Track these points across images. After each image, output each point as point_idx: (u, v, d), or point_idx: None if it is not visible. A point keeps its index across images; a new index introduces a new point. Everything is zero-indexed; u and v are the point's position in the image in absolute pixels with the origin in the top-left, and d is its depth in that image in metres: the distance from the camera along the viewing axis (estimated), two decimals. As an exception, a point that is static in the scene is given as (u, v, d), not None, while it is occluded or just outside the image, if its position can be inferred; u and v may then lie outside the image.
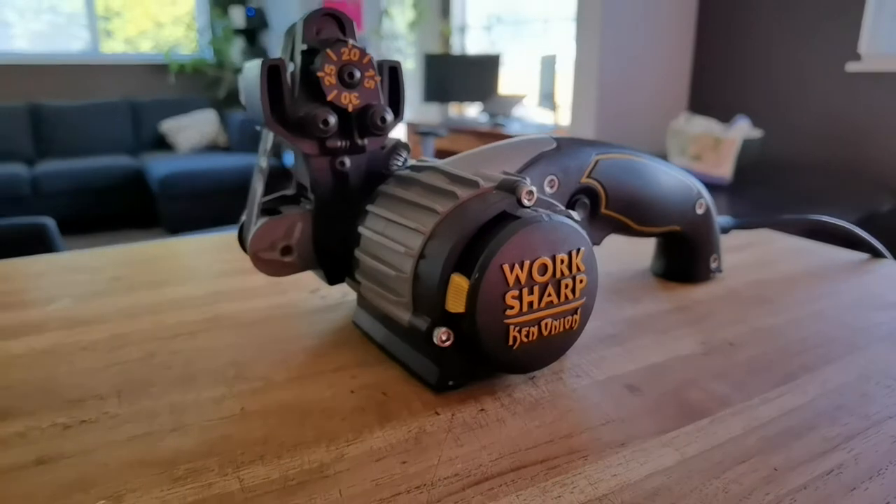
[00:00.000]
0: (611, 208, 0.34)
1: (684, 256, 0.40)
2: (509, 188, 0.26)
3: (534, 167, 0.31)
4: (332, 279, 0.33)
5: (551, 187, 0.31)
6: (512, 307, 0.25)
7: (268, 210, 0.33)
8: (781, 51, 1.93)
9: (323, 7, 0.31)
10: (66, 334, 0.34)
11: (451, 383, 0.27)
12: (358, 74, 0.30)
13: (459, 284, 0.24)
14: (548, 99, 3.06)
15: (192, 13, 4.54)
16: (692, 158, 1.48)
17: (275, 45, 4.44)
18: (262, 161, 0.33)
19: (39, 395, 0.27)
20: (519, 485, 0.21)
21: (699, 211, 0.38)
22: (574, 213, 0.28)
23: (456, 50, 4.14)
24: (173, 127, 4.14)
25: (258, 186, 0.33)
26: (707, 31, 1.98)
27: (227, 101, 4.53)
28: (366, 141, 0.32)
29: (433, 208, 0.26)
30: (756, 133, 1.61)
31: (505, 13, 3.86)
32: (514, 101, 3.31)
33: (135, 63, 4.37)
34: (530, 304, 0.25)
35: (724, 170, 1.48)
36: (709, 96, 1.98)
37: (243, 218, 0.34)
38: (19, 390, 0.27)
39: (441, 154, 3.50)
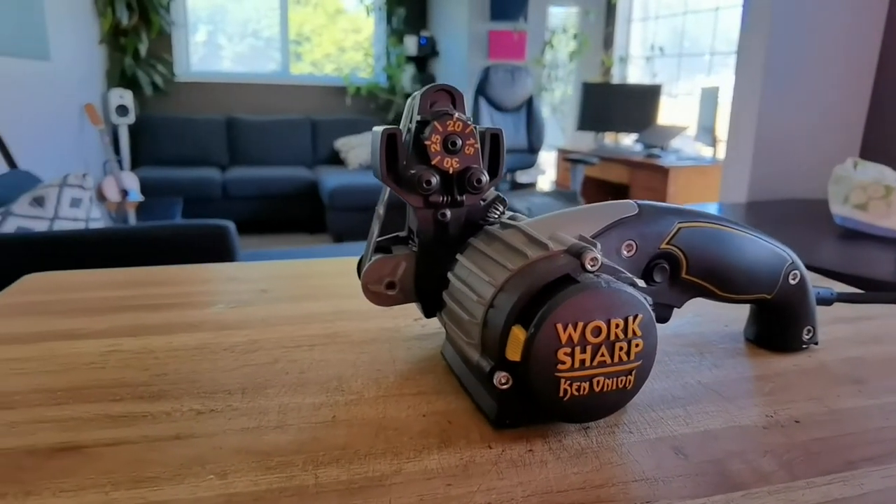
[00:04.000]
0: (692, 274, 0.35)
1: (775, 325, 0.40)
2: (576, 253, 0.29)
3: (611, 231, 0.33)
4: (428, 313, 0.38)
5: (629, 251, 0.34)
6: (564, 363, 0.27)
7: (381, 248, 0.39)
8: None
9: (437, 84, 0.36)
10: (214, 335, 0.42)
11: (507, 422, 0.30)
12: (459, 143, 0.34)
13: (517, 336, 0.28)
14: (707, 132, 2.92)
15: (370, 40, 4.94)
16: (856, 207, 1.34)
17: (442, 71, 4.68)
18: (381, 209, 0.39)
19: (185, 384, 0.35)
20: (540, 521, 0.24)
21: (792, 281, 0.38)
22: (638, 281, 0.30)
23: (616, 80, 4.09)
24: (346, 144, 4.53)
25: (375, 228, 0.39)
26: (890, 73, 1.78)
27: (395, 124, 4.84)
28: (464, 197, 0.36)
29: (505, 265, 0.30)
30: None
31: (668, 45, 3.75)
32: (673, 132, 3.20)
33: (317, 84, 4.84)
34: (582, 361, 0.28)
35: (894, 221, 1.33)
36: (886, 143, 1.78)
37: (363, 253, 0.40)
38: (171, 378, 0.35)
39: (591, 182, 3.47)
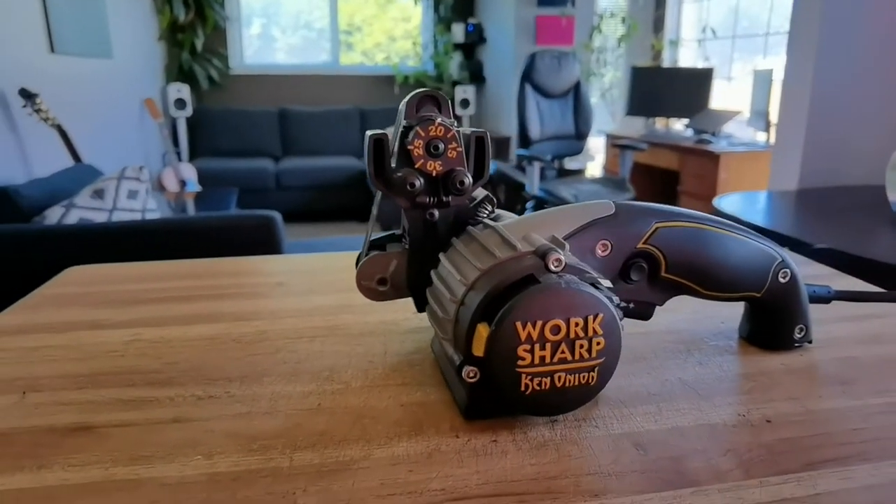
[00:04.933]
0: (672, 273, 0.36)
1: (767, 323, 0.40)
2: (542, 254, 0.30)
3: (586, 232, 0.34)
4: (420, 308, 0.40)
5: (603, 251, 0.34)
6: (524, 359, 0.29)
7: (376, 245, 0.41)
8: None
9: (423, 90, 0.37)
10: (227, 326, 0.45)
11: (477, 414, 0.32)
12: (442, 146, 0.36)
13: (481, 333, 0.29)
14: (760, 116, 2.81)
15: (419, 28, 4.97)
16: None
17: (489, 59, 4.66)
18: (374, 209, 0.41)
19: (193, 372, 0.38)
20: (487, 507, 0.25)
21: (782, 279, 0.38)
22: (604, 282, 0.31)
23: (666, 63, 3.97)
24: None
25: (371, 227, 0.41)
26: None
27: (440, 110, 4.86)
28: (449, 198, 0.38)
29: (476, 265, 0.32)
30: None
31: (722, 26, 3.61)
32: (724, 117, 3.10)
33: (366, 74, 4.90)
34: (542, 358, 0.29)
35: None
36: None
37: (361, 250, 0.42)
38: (181, 367, 0.38)
39: (640, 168, 3.40)
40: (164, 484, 0.27)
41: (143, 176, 1.92)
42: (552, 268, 0.30)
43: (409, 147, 0.36)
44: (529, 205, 3.90)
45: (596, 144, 4.28)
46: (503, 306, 0.29)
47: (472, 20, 4.71)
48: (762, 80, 2.89)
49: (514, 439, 0.30)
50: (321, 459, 0.29)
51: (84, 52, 2.93)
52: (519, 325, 0.28)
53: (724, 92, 3.59)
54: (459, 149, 0.36)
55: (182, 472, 0.28)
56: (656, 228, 0.35)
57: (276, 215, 1.70)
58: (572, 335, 0.29)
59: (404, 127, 0.37)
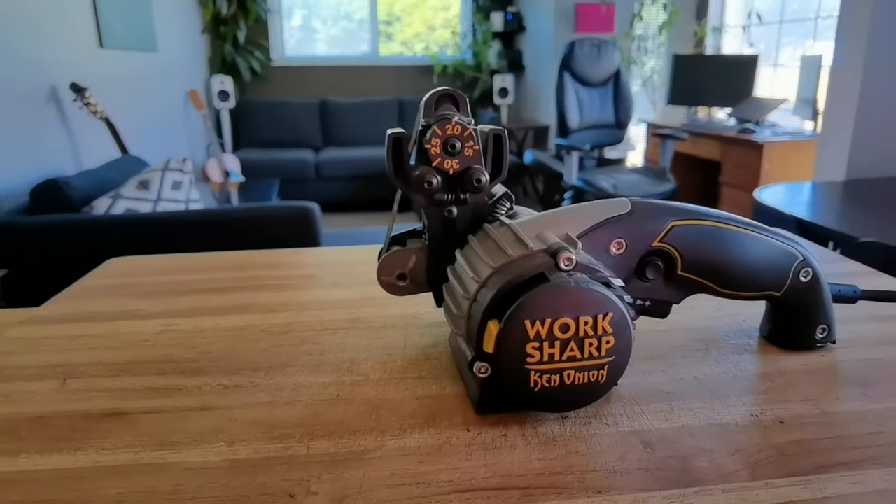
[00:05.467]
0: (688, 271, 0.36)
1: (788, 322, 0.39)
2: (553, 252, 0.31)
3: (600, 230, 0.34)
4: (439, 303, 0.41)
5: (618, 249, 0.34)
6: (533, 356, 0.29)
7: (397, 241, 0.42)
8: None
9: (441, 89, 0.38)
10: (258, 318, 0.46)
11: (488, 408, 0.32)
12: (459, 145, 0.36)
13: (491, 329, 0.30)
14: (807, 104, 2.71)
15: (459, 17, 4.95)
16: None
17: (529, 47, 4.61)
18: (395, 205, 0.42)
19: (222, 361, 0.39)
20: (491, 499, 0.26)
21: (803, 279, 0.37)
22: (616, 281, 0.31)
23: (709, 51, 3.87)
24: (430, 123, 4.58)
25: (392, 223, 0.42)
26: None
27: (480, 101, 4.85)
28: (467, 196, 0.38)
29: (489, 262, 0.32)
30: None
31: (770, 11, 3.49)
32: (769, 105, 3.00)
33: (405, 65, 4.91)
34: (551, 355, 0.29)
35: None
36: None
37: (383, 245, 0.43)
38: (212, 356, 0.40)
39: (681, 157, 3.33)
40: (187, 469, 0.29)
41: (186, 167, 1.98)
42: (563, 266, 0.30)
43: (427, 146, 0.36)
44: (568, 195, 3.86)
45: (637, 134, 4.20)
46: (513, 304, 0.29)
47: (511, 9, 4.66)
48: (810, 67, 2.78)
49: (523, 434, 0.31)
50: (336, 449, 0.30)
51: (131, 46, 3.02)
52: (528, 322, 0.29)
53: (771, 79, 3.48)
54: (476, 147, 0.37)
55: (205, 458, 0.30)
56: (672, 227, 0.35)
57: (314, 206, 1.73)
58: (581, 333, 0.29)
59: (422, 125, 0.37)
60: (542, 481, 0.27)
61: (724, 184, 3.03)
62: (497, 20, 4.65)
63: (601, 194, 3.18)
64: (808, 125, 2.95)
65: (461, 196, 0.38)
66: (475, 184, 0.37)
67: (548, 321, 0.29)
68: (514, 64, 4.72)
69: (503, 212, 0.39)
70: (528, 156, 4.01)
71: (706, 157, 3.20)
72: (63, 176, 1.73)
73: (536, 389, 0.30)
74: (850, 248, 1.45)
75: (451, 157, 0.37)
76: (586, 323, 0.29)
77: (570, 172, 3.32)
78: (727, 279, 0.37)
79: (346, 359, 0.39)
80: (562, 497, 0.26)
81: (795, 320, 0.39)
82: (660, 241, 0.35)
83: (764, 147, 2.73)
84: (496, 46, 4.72)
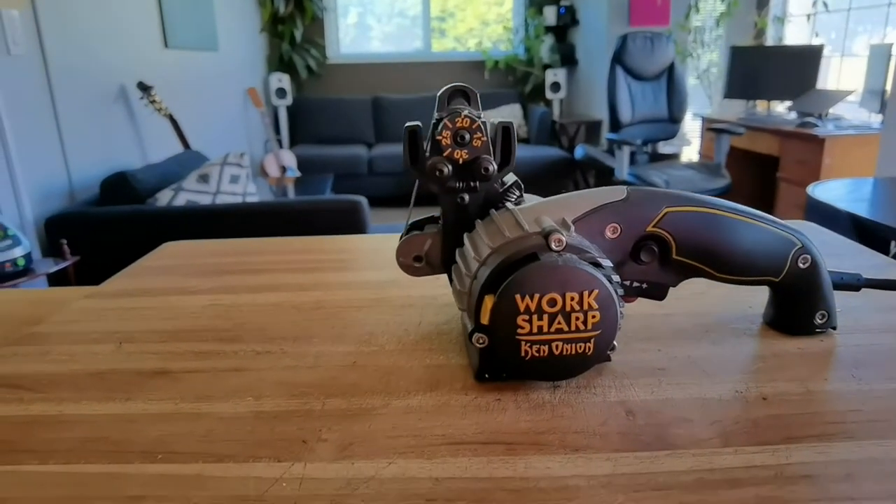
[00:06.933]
0: (682, 255, 0.38)
1: (788, 308, 0.41)
2: (546, 234, 0.33)
3: (595, 215, 0.37)
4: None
5: (613, 233, 0.37)
6: (523, 328, 0.32)
7: (415, 226, 0.46)
8: None
9: (453, 85, 0.41)
10: (291, 295, 0.51)
11: (486, 376, 0.35)
12: (468, 136, 0.39)
13: (487, 303, 0.33)
14: (874, 96, 2.59)
15: (511, 12, 4.95)
16: None
17: (582, 41, 4.57)
18: (413, 194, 0.45)
19: (256, 331, 0.44)
20: (478, 452, 0.29)
21: (802, 265, 0.39)
22: (604, 261, 0.34)
23: (770, 42, 3.74)
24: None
25: (411, 209, 0.45)
26: None
27: (531, 96, 4.84)
28: (477, 183, 0.41)
29: (488, 243, 0.35)
30: None
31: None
32: (833, 98, 2.88)
33: (457, 60, 4.95)
34: (540, 327, 0.32)
35: None
36: None
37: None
38: (248, 327, 0.45)
39: (737, 153, 3.24)
40: (219, 418, 0.33)
41: (243, 162, 2.08)
42: (553, 247, 0.33)
43: (438, 137, 0.40)
44: (618, 191, 3.81)
45: (693, 129, 4.11)
46: (506, 280, 0.32)
47: (564, 2, 4.63)
48: (879, 56, 2.66)
49: (515, 399, 0.34)
50: (347, 405, 0.34)
51: (193, 45, 3.17)
52: (518, 297, 0.32)
53: (837, 71, 3.34)
54: (484, 138, 0.40)
55: (235, 410, 0.34)
56: (666, 213, 0.37)
57: (363, 200, 1.79)
58: (568, 308, 0.32)
59: (436, 119, 0.40)
60: (525, 439, 0.30)
61: (782, 179, 2.94)
62: (550, 14, 4.62)
63: (652, 190, 3.13)
64: (876, 118, 2.83)
65: (472, 184, 0.41)
66: (483, 172, 0.40)
67: (536, 296, 0.32)
68: (567, 58, 4.69)
69: (512, 199, 0.42)
70: (580, 150, 3.98)
71: (764, 152, 3.11)
72: (130, 169, 1.85)
73: (527, 358, 0.33)
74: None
75: (460, 147, 0.40)
76: (572, 298, 0.32)
77: (621, 167, 3.28)
78: (722, 264, 0.38)
79: (366, 332, 0.43)
80: (541, 452, 0.29)
81: (794, 306, 0.40)
82: (654, 227, 0.37)
83: (825, 141, 2.63)
84: (549, 41, 4.70)
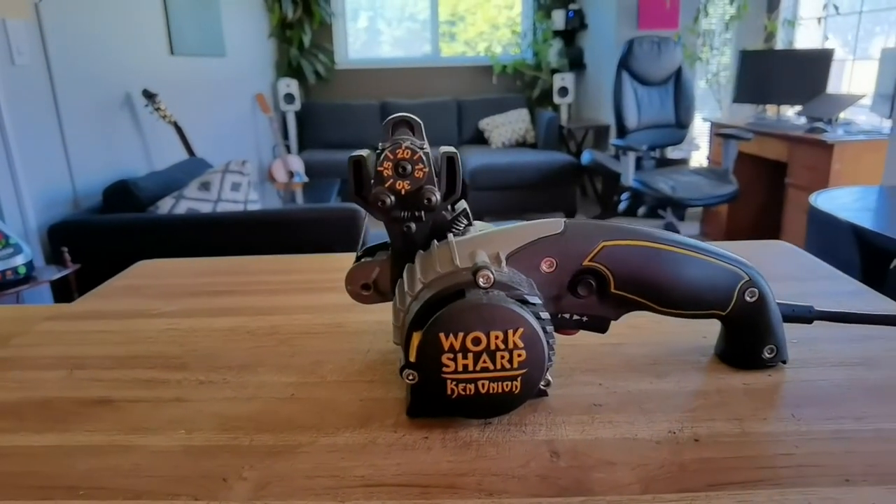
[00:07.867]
0: (621, 289, 0.37)
1: (736, 342, 0.40)
2: (475, 271, 0.33)
3: (531, 248, 0.36)
4: (402, 311, 0.44)
5: (549, 267, 0.36)
6: (448, 366, 0.32)
7: (367, 252, 0.45)
8: None
9: (396, 116, 0.41)
10: (247, 320, 0.51)
11: (417, 412, 0.35)
12: (409, 167, 0.39)
13: (414, 340, 0.33)
14: (885, 100, 2.55)
15: (520, 16, 4.94)
16: None
17: (590, 45, 4.55)
18: (364, 221, 0.45)
19: (205, 359, 0.44)
20: (392, 495, 0.29)
21: (749, 298, 0.38)
22: (532, 298, 0.33)
23: (780, 45, 3.70)
24: (489, 124, 4.61)
25: (363, 237, 0.45)
26: None
27: (539, 101, 4.83)
28: (422, 213, 0.41)
29: (421, 278, 0.35)
30: None
31: (846, 2, 3.29)
32: (843, 102, 2.84)
33: (465, 65, 4.95)
34: (465, 366, 0.32)
35: None
36: None
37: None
38: (198, 354, 0.45)
39: (746, 158, 3.20)
40: (150, 451, 0.33)
41: (245, 169, 2.09)
42: (481, 283, 0.33)
43: (380, 168, 0.40)
44: (625, 196, 3.80)
45: (702, 133, 4.08)
46: (432, 317, 0.32)
47: (572, 6, 4.61)
48: (890, 60, 2.62)
49: (443, 438, 0.34)
50: (274, 442, 0.34)
51: (200, 51, 3.19)
52: (442, 335, 0.32)
53: (848, 76, 3.29)
54: (426, 169, 0.40)
55: (167, 443, 0.34)
56: (602, 247, 0.36)
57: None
58: (493, 346, 0.32)
59: (378, 150, 0.40)
60: (442, 481, 0.30)
61: (791, 185, 2.90)
62: (558, 18, 4.61)
63: (658, 196, 3.11)
64: (887, 123, 2.78)
65: (416, 214, 0.41)
66: (427, 203, 0.40)
67: (460, 334, 0.32)
68: (575, 62, 4.67)
69: (460, 228, 0.42)
70: (587, 156, 3.96)
71: (773, 157, 3.07)
72: (132, 177, 1.87)
73: (453, 397, 0.33)
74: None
75: (402, 178, 0.40)
76: (497, 337, 0.32)
77: (627, 173, 3.26)
78: (664, 298, 0.38)
79: (312, 361, 0.43)
80: (455, 496, 0.29)
81: (743, 340, 0.40)
82: (590, 261, 0.37)
83: (834, 147, 2.60)
84: (557, 45, 4.69)
